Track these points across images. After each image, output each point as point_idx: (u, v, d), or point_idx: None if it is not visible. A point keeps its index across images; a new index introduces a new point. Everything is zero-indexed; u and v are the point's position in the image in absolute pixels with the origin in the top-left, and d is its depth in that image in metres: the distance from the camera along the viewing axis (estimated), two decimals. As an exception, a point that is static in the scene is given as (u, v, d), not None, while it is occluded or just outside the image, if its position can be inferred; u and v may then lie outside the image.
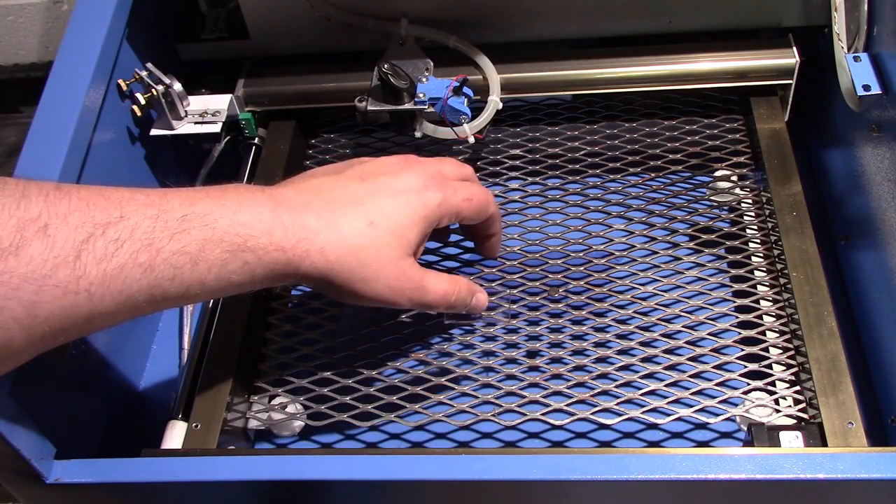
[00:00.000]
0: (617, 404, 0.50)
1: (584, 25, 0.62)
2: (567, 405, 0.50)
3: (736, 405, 0.49)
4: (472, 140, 0.58)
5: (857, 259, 0.57)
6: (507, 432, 0.52)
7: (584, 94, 0.64)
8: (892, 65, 0.51)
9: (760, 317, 0.53)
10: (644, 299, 0.54)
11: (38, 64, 0.85)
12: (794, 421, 0.48)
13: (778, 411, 0.48)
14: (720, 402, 0.49)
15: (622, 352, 0.52)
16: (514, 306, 0.55)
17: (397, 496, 0.45)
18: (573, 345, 0.53)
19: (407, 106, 0.58)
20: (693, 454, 0.41)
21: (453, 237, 0.59)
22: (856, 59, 0.54)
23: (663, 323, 0.53)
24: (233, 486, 0.43)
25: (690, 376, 0.50)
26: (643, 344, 0.52)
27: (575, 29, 0.63)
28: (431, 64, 0.60)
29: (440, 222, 0.47)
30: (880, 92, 0.52)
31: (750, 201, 0.59)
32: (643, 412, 0.49)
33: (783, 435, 0.46)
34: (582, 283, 0.56)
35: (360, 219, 0.44)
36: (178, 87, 0.60)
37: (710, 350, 0.52)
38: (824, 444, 0.45)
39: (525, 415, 0.50)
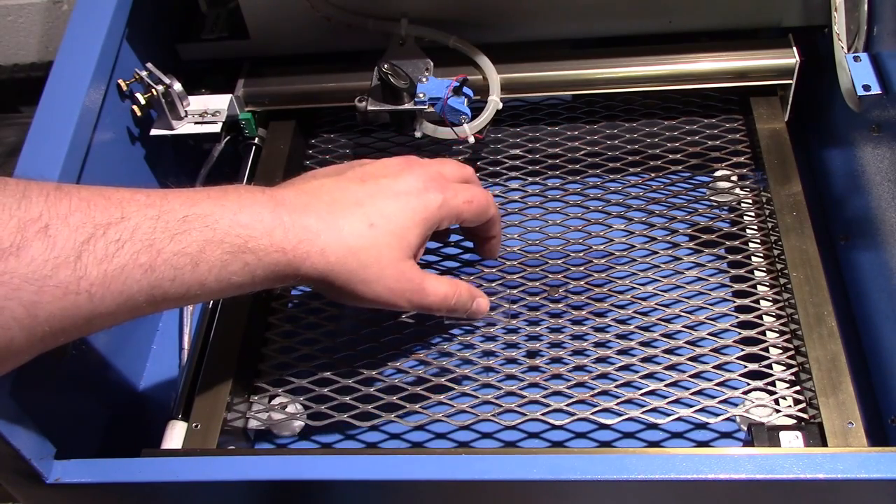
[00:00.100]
0: (617, 404, 0.50)
1: (584, 25, 0.62)
2: (567, 405, 0.50)
3: (736, 405, 0.49)
4: (472, 140, 0.58)
5: (856, 259, 0.57)
6: (507, 432, 0.52)
7: (584, 94, 0.64)
8: (892, 65, 0.51)
9: (760, 317, 0.53)
10: (644, 299, 0.54)
11: (38, 64, 0.85)
12: (794, 421, 0.48)
13: (778, 411, 0.48)
14: (720, 402, 0.49)
15: (622, 352, 0.52)
16: (514, 306, 0.55)
17: (397, 496, 0.45)
18: (573, 345, 0.53)
19: (407, 106, 0.58)
20: (693, 454, 0.41)
21: (453, 238, 0.59)
22: (856, 59, 0.54)
23: (663, 323, 0.53)
24: (233, 486, 0.43)
25: (690, 376, 0.50)
26: (643, 344, 0.52)
27: (575, 29, 0.63)
28: (431, 64, 0.60)
29: (440, 224, 0.47)
30: (880, 92, 0.52)
31: (750, 201, 0.59)
32: (643, 412, 0.49)
33: (783, 435, 0.46)
34: (582, 283, 0.56)
35: (361, 220, 0.44)
36: (178, 87, 0.60)
37: (710, 350, 0.52)
38: (824, 444, 0.45)
39: (525, 415, 0.50)
